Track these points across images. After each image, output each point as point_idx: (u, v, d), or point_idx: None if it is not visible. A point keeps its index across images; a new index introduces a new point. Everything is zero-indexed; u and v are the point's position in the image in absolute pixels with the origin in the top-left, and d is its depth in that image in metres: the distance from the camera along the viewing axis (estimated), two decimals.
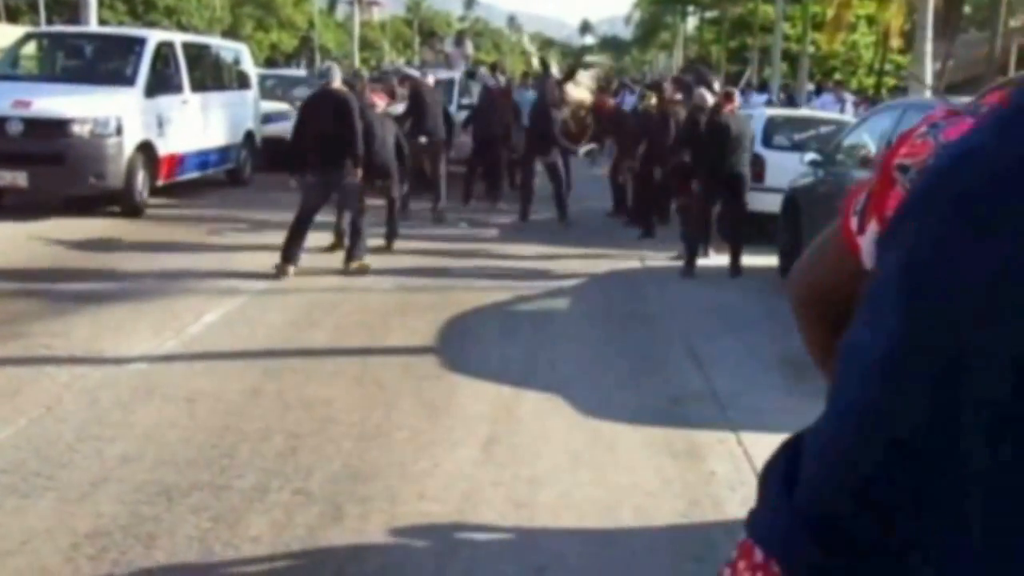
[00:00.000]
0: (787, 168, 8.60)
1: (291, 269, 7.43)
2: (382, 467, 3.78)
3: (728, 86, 9.60)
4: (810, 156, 8.11)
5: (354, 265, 7.67)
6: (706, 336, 6.14)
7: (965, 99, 7.91)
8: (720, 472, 3.85)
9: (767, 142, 9.90)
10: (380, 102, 8.67)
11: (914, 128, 0.86)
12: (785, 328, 6.42)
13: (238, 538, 3.13)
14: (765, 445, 3.98)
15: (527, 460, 3.94)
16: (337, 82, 7.79)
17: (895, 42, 26.39)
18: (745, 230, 8.39)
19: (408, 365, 5.23)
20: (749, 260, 8.33)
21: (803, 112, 13.48)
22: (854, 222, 0.90)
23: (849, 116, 12.95)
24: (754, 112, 11.13)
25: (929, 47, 11.50)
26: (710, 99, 9.08)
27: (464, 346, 5.69)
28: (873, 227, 0.85)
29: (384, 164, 8.24)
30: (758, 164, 9.65)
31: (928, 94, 10.68)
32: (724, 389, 4.98)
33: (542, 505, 3.53)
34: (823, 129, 10.06)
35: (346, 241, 7.97)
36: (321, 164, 7.48)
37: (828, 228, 1.01)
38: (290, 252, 7.44)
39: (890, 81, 28.94)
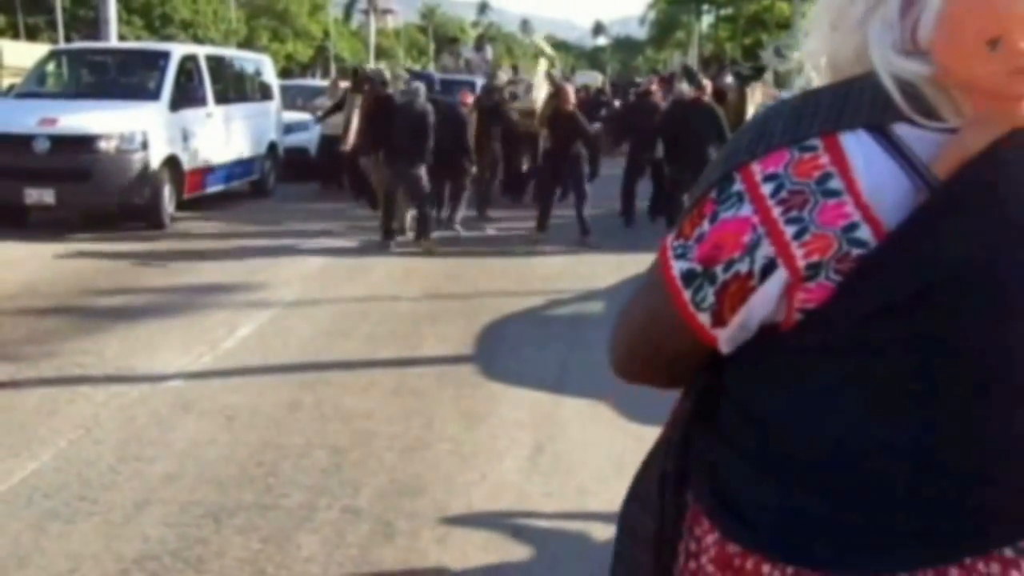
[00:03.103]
0: None
1: (391, 243, 9.21)
2: (428, 480, 3.70)
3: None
4: None
5: (424, 246, 9.05)
6: None
7: None
8: None
9: None
10: (468, 99, 10.87)
11: (762, 213, 0.87)
12: None
13: (290, 559, 3.06)
14: None
15: (573, 468, 3.85)
16: (422, 98, 9.31)
17: None
18: None
19: (444, 374, 5.15)
20: None
21: None
22: (703, 318, 0.92)
23: None
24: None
25: None
26: (688, 93, 9.75)
27: (499, 353, 5.60)
28: (758, 313, 0.89)
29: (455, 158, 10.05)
30: None
31: None
32: None
33: (592, 514, 3.44)
34: None
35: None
36: (393, 159, 9.19)
37: (636, 307, 1.01)
38: (390, 228, 9.30)
39: None
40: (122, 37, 19.64)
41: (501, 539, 3.24)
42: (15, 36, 35.46)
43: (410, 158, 9.08)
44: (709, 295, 0.91)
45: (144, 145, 9.79)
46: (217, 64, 12.01)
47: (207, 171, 11.21)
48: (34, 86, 11.26)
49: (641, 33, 68.46)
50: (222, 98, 11.68)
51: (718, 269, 0.90)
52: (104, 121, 9.70)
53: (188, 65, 11.12)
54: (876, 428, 0.88)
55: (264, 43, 44.31)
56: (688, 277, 0.92)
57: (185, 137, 10.57)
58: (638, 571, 1.09)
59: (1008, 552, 0.88)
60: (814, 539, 0.91)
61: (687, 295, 0.92)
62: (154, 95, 10.40)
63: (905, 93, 0.84)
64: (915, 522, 0.88)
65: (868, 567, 0.89)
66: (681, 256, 0.93)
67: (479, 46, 17.80)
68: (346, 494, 3.56)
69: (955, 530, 0.88)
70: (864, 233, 0.83)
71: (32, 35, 37.14)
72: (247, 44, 39.26)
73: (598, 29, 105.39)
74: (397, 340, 5.89)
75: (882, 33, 0.86)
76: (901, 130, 0.85)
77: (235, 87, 12.53)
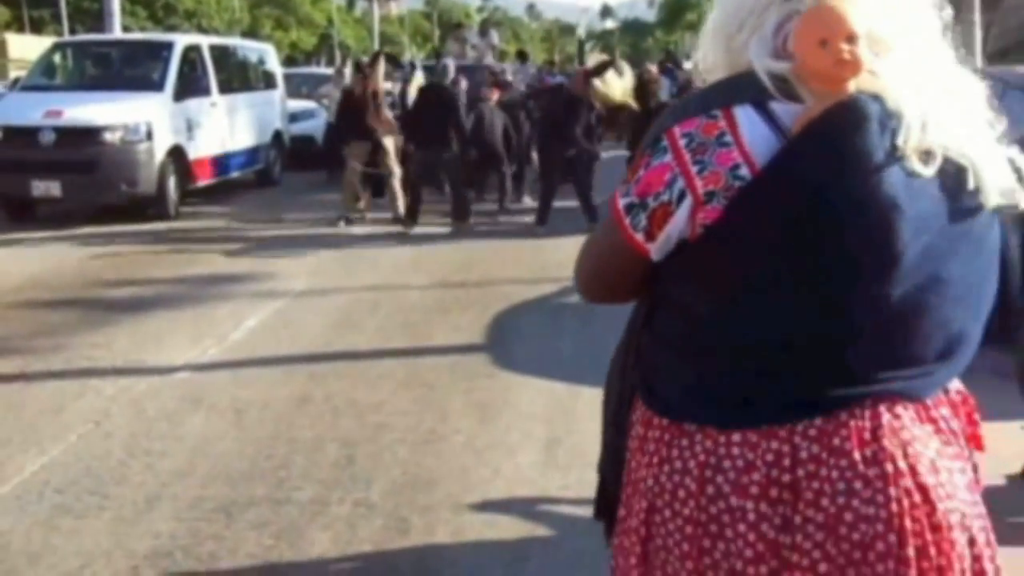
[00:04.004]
0: None
1: (415, 227, 9.43)
2: (442, 474, 3.67)
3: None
4: None
5: (459, 225, 9.47)
6: None
7: (1019, 68, 7.59)
8: None
9: None
10: (494, 95, 10.78)
11: (678, 158, 1.28)
12: None
13: (302, 555, 3.03)
14: None
15: (590, 461, 3.78)
16: (449, 79, 9.75)
17: None
18: None
19: (456, 365, 5.11)
20: None
21: None
22: (639, 236, 1.31)
23: None
24: None
25: (978, 16, 10.92)
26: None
27: (512, 342, 5.56)
28: (676, 232, 1.28)
29: (492, 145, 10.40)
30: None
31: (979, 62, 10.27)
32: None
33: None
34: None
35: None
36: (424, 144, 9.39)
37: (595, 238, 1.44)
38: (415, 212, 9.44)
39: None
40: (126, 28, 19.59)
41: (518, 533, 3.20)
42: (20, 29, 35.48)
43: (440, 142, 9.25)
44: (643, 219, 1.30)
45: (149, 136, 9.79)
46: (221, 54, 11.96)
47: (212, 161, 11.18)
48: (39, 79, 11.26)
49: (650, 15, 68.03)
50: (226, 88, 11.64)
51: (649, 200, 1.29)
52: (109, 112, 9.69)
53: (192, 55, 11.08)
54: (749, 313, 1.27)
55: (267, 32, 44.20)
56: (629, 208, 1.31)
57: (189, 127, 10.55)
58: (607, 449, 1.57)
59: (842, 415, 1.25)
60: (705, 404, 1.31)
61: (627, 220, 1.31)
62: (158, 86, 10.38)
63: (776, 84, 1.25)
64: (778, 390, 1.26)
65: (742, 423, 1.27)
66: (625, 195, 1.32)
67: (484, 31, 17.73)
68: (358, 488, 3.53)
69: (810, 397, 1.26)
70: (744, 171, 1.24)
71: (37, 28, 37.13)
72: (250, 33, 39.15)
73: (606, 12, 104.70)
74: (408, 331, 5.85)
75: (759, 47, 1.28)
76: (774, 105, 1.25)
77: (239, 76, 12.49)
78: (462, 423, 4.22)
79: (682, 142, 1.27)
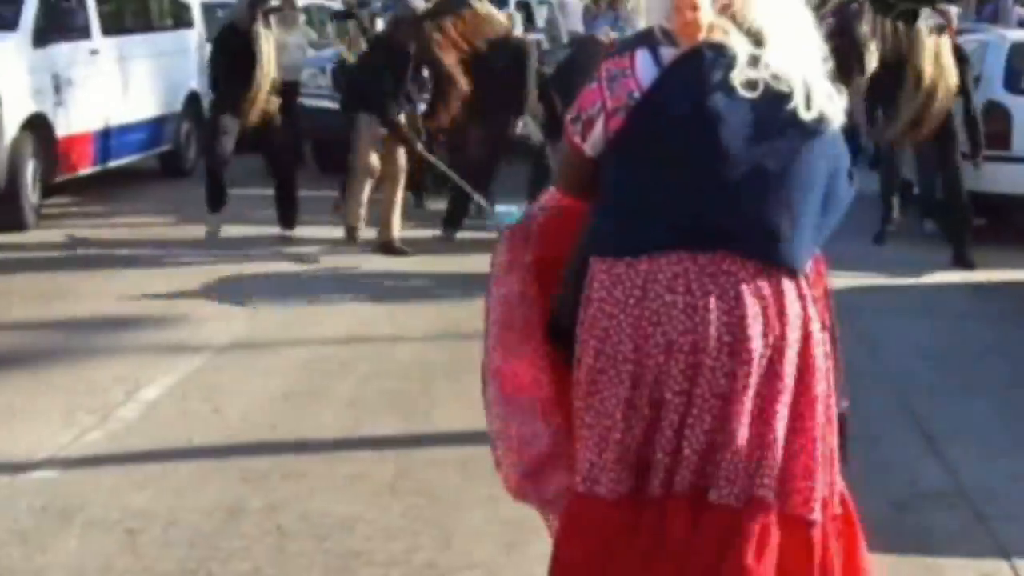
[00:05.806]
0: None
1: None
2: None
3: None
4: None
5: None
6: (928, 392, 6.14)
7: None
8: None
9: (1012, 84, 9.78)
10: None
11: (600, 86, 3.09)
12: None
13: None
14: None
15: None
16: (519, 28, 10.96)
17: None
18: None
19: (469, 460, 5.09)
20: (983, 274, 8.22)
21: None
22: (577, 139, 3.14)
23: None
24: (988, 38, 10.97)
25: None
26: None
27: None
28: (598, 135, 3.09)
29: None
30: (999, 119, 9.54)
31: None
32: (974, 482, 4.97)
33: None
34: None
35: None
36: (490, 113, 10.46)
37: (560, 158, 4.14)
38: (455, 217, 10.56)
39: None
40: None
41: None
42: None
43: (505, 113, 10.26)
44: (579, 127, 3.14)
45: None
46: None
47: (93, 138, 11.29)
48: None
49: None
50: (114, 27, 11.81)
51: (583, 114, 3.12)
52: None
53: None
54: (640, 183, 3.04)
55: None
56: (572, 120, 3.18)
57: (58, 87, 10.63)
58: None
59: (719, 249, 2.98)
60: (611, 242, 3.06)
61: (570, 128, 3.19)
62: (10, 24, 10.46)
63: (664, 35, 3.08)
64: (669, 229, 2.99)
65: (635, 253, 3.01)
66: (570, 112, 3.23)
67: None
68: None
69: (694, 236, 2.98)
70: (636, 94, 3.04)
71: None
72: None
73: None
74: (398, 405, 5.90)
75: (658, 14, 3.14)
76: (663, 49, 3.07)
77: (134, 10, 12.68)
78: (476, 551, 4.26)
79: (604, 75, 3.02)
